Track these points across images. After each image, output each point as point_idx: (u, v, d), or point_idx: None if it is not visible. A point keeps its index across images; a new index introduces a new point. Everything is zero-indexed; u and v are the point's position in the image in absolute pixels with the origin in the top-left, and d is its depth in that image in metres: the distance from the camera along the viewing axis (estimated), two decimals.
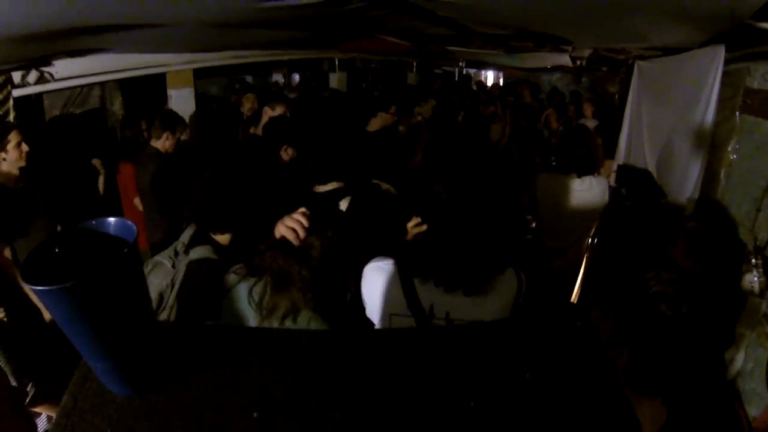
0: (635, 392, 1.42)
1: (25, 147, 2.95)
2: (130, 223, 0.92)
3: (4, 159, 2.90)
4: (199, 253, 2.09)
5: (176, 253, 2.17)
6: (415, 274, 1.63)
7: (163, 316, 2.10)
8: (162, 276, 2.11)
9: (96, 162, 4.18)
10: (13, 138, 2.90)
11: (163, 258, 2.17)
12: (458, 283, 1.59)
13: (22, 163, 2.96)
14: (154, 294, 2.09)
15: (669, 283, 1.49)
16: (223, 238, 2.18)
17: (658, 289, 1.48)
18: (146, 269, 2.12)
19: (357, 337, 1.25)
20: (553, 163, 3.41)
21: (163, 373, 1.00)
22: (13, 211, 2.87)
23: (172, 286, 2.10)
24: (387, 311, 1.65)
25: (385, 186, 2.59)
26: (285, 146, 3.28)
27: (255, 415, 0.94)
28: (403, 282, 1.63)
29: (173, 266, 2.13)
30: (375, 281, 1.68)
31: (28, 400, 2.26)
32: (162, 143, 3.89)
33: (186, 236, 2.20)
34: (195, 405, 0.96)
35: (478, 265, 1.60)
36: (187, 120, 4.75)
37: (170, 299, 2.10)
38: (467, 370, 1.10)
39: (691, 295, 1.55)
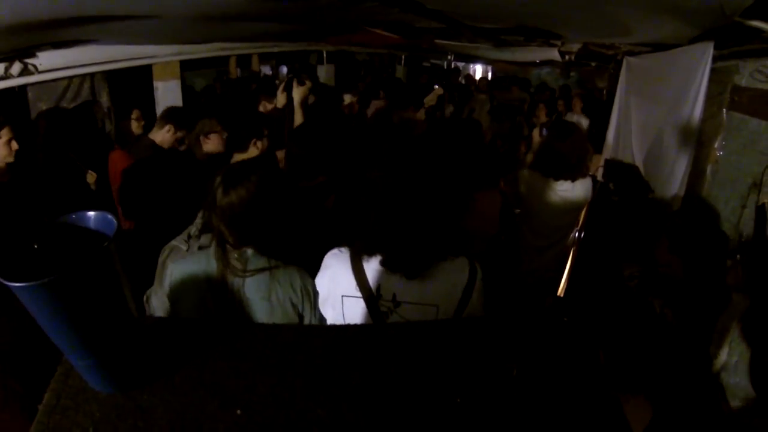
0: (618, 391, 1.42)
1: (15, 145, 2.92)
2: (110, 216, 0.90)
3: None
4: (207, 239, 2.22)
5: (189, 237, 2.31)
6: (364, 255, 1.69)
7: None
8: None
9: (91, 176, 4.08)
10: (5, 134, 2.88)
11: (179, 242, 2.30)
12: (399, 265, 1.64)
13: (11, 160, 2.94)
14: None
15: (659, 282, 1.49)
16: None
17: (647, 288, 1.49)
18: (163, 255, 2.28)
19: (341, 333, 1.25)
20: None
21: (146, 369, 0.99)
22: None
23: None
24: (339, 293, 1.71)
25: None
26: (254, 140, 3.26)
27: (238, 412, 0.93)
28: (353, 264, 1.68)
29: (187, 249, 2.27)
30: (330, 267, 1.75)
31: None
32: (162, 135, 3.80)
33: (199, 220, 2.33)
34: (179, 401, 0.95)
35: (418, 250, 1.63)
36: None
37: None
38: (454, 366, 1.10)
39: (676, 294, 1.57)
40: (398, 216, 1.63)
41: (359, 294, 1.67)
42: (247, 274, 1.74)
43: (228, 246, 1.76)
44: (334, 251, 1.77)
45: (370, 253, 1.68)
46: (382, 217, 1.66)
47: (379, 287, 1.66)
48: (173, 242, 2.33)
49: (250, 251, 1.76)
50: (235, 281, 1.75)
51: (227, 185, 1.74)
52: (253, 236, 1.77)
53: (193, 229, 2.33)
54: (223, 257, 1.75)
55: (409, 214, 1.62)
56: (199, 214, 2.35)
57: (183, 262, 1.88)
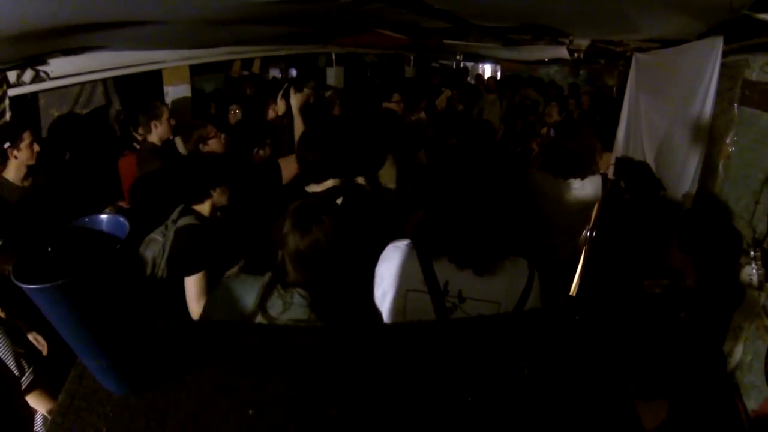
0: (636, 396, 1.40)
1: (36, 147, 3.03)
2: (122, 219, 0.91)
3: (16, 157, 2.97)
4: (184, 221, 2.48)
5: (166, 227, 2.51)
6: (431, 252, 1.71)
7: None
8: (155, 247, 2.47)
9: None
10: (27, 137, 2.99)
11: (156, 234, 2.50)
12: (469, 261, 1.66)
13: (32, 162, 3.04)
14: (148, 261, 2.46)
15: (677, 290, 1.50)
16: (203, 208, 2.59)
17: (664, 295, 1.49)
18: (142, 246, 2.47)
19: (352, 333, 1.25)
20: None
21: (158, 370, 1.00)
22: (18, 208, 2.91)
23: (164, 251, 2.46)
24: (403, 287, 1.71)
25: (359, 181, 2.68)
26: (257, 149, 3.30)
27: (250, 412, 0.94)
28: (421, 259, 1.70)
29: (164, 237, 2.48)
30: (393, 259, 1.74)
31: (24, 388, 2.25)
32: (155, 134, 3.80)
33: (175, 214, 2.53)
34: (191, 402, 0.96)
35: (486, 245, 1.67)
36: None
37: (162, 262, 2.46)
38: (465, 365, 1.09)
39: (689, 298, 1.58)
40: (471, 213, 1.66)
41: (425, 289, 1.69)
42: (277, 321, 1.57)
43: (278, 284, 1.64)
44: (398, 244, 1.78)
45: (437, 249, 1.70)
46: (453, 215, 1.69)
47: (446, 283, 1.68)
48: (152, 234, 2.51)
49: (298, 296, 1.61)
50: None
51: (300, 227, 1.61)
52: (316, 278, 1.64)
53: (170, 221, 2.51)
54: (263, 297, 1.61)
55: (482, 211, 1.66)
56: (178, 208, 2.54)
57: (235, 282, 1.75)
